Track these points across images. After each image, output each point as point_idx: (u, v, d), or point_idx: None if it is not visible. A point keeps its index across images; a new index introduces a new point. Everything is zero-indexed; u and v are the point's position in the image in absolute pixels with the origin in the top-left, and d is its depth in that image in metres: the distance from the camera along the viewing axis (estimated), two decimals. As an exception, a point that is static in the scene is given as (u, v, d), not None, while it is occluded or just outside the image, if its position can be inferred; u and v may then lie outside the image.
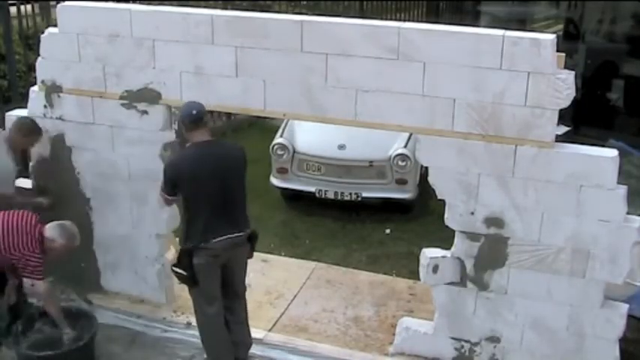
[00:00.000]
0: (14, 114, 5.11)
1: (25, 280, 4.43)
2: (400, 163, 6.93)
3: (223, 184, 4.19)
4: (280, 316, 5.16)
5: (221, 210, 4.20)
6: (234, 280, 4.47)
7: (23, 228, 4.34)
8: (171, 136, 4.81)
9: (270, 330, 4.98)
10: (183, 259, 4.26)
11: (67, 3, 4.81)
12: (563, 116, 4.30)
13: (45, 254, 4.39)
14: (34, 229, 4.37)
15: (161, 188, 4.37)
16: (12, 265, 4.37)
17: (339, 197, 7.02)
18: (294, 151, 7.14)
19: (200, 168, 4.16)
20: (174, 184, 4.26)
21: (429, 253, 4.48)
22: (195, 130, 4.21)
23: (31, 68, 5.84)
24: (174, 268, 4.34)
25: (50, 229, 4.42)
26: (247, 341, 4.63)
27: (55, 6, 5.25)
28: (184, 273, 4.27)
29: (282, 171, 7.21)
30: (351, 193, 6.99)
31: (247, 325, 4.63)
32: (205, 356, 4.58)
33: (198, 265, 4.22)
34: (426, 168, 4.42)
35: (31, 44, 7.07)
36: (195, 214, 4.22)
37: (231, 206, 4.25)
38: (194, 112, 4.20)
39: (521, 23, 11.64)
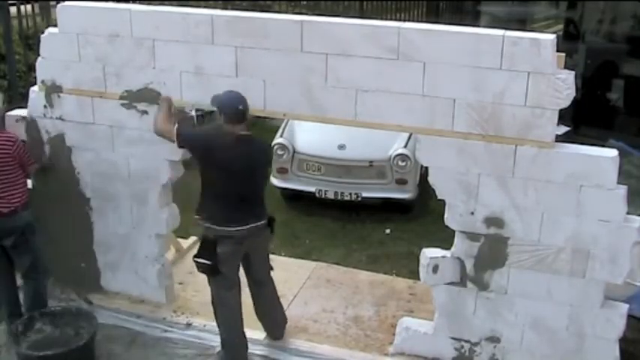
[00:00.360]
0: (14, 114, 5.12)
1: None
2: (400, 163, 6.93)
3: (251, 179, 4.35)
4: (280, 316, 5.16)
5: (245, 201, 4.34)
6: (253, 267, 4.63)
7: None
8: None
9: (270, 330, 4.98)
10: (207, 249, 4.34)
11: (67, 3, 4.81)
12: (563, 116, 4.30)
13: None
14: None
15: (179, 129, 4.33)
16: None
17: (339, 197, 7.03)
18: (294, 151, 7.15)
19: (233, 161, 4.25)
20: (192, 150, 4.38)
21: (429, 253, 4.48)
22: (237, 124, 4.28)
23: (31, 68, 5.84)
24: (197, 259, 4.39)
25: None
26: (280, 320, 4.88)
27: (55, 6, 5.25)
28: (208, 262, 4.34)
29: (282, 171, 7.21)
30: (351, 193, 7.00)
31: (278, 305, 4.86)
32: (220, 341, 4.65)
33: (222, 254, 4.34)
34: (426, 168, 4.42)
35: (31, 44, 7.08)
36: (220, 201, 4.32)
37: (254, 198, 4.42)
38: (240, 107, 4.26)
39: (521, 23, 11.65)
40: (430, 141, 4.29)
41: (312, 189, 7.09)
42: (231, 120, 4.26)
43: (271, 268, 4.76)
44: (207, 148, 4.30)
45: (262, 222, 4.48)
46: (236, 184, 4.29)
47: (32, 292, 4.86)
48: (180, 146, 4.40)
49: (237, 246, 4.39)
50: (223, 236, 4.33)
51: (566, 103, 3.99)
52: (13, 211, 4.59)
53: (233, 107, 4.25)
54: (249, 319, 5.08)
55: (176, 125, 4.37)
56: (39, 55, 4.92)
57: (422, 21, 11.60)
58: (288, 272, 5.75)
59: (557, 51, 3.96)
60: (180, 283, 5.46)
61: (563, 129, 5.76)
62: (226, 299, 4.52)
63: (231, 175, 4.27)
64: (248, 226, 4.37)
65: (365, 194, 7.00)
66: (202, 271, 4.44)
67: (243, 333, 4.62)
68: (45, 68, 4.90)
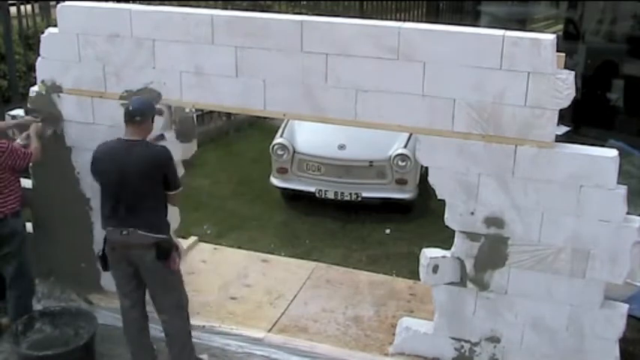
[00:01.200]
0: (14, 114, 5.12)
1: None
2: (400, 163, 6.93)
3: (126, 186, 4.15)
4: (280, 316, 5.15)
5: (119, 207, 4.20)
6: (150, 293, 4.43)
7: None
8: (171, 135, 4.81)
9: (270, 330, 4.97)
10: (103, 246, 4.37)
11: (67, 3, 4.81)
12: (563, 116, 4.30)
13: None
14: None
15: None
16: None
17: (339, 197, 7.02)
18: (294, 151, 7.15)
19: (106, 166, 4.22)
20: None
21: (429, 253, 4.48)
22: (126, 125, 4.23)
23: (31, 68, 5.85)
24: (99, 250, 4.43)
25: None
26: None
27: (55, 6, 5.25)
28: (99, 255, 4.39)
29: (282, 171, 7.21)
30: (351, 193, 7.00)
31: (178, 349, 4.48)
32: None
33: (107, 254, 4.35)
34: (426, 168, 4.42)
35: (31, 44, 7.08)
36: (103, 201, 4.31)
37: (132, 206, 4.19)
38: (130, 108, 4.20)
39: (521, 23, 11.65)
40: (430, 141, 4.29)
41: (312, 189, 7.09)
42: (125, 121, 4.23)
43: (180, 307, 4.42)
44: (94, 157, 4.30)
45: (143, 239, 4.19)
46: (111, 189, 4.22)
47: (15, 301, 4.83)
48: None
49: (113, 251, 4.30)
50: (105, 237, 4.33)
51: (566, 103, 3.99)
52: (0, 219, 4.58)
53: (127, 106, 4.22)
54: (248, 318, 5.09)
55: None
56: (39, 55, 4.92)
57: (422, 21, 11.61)
58: (288, 272, 5.76)
59: (557, 51, 3.96)
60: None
61: (563, 129, 5.77)
62: (124, 311, 4.48)
63: (106, 179, 4.23)
64: (122, 234, 4.21)
65: (365, 194, 7.00)
66: None
67: (141, 335, 4.51)
68: (45, 68, 4.90)
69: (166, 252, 4.24)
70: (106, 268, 4.41)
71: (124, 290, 4.43)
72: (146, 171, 4.18)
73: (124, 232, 4.20)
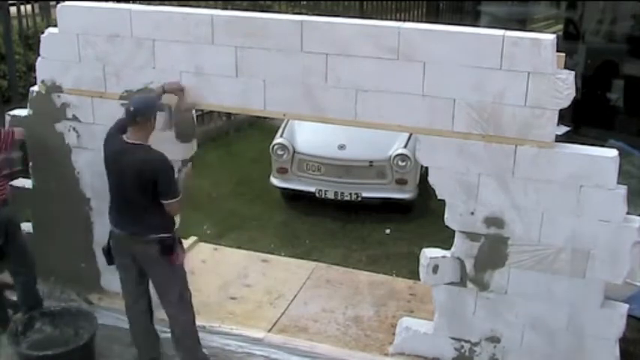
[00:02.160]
0: (14, 114, 5.12)
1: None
2: (400, 163, 6.93)
3: (123, 189, 4.20)
4: (280, 316, 5.16)
5: (122, 208, 4.29)
6: (155, 288, 4.47)
7: None
8: (171, 135, 4.81)
9: (270, 330, 4.97)
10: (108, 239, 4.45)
11: (67, 3, 4.81)
12: (563, 116, 4.30)
13: None
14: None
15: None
16: None
17: (339, 197, 7.02)
18: (294, 151, 7.15)
19: (108, 166, 4.28)
20: None
21: (429, 253, 4.48)
22: (129, 126, 4.20)
23: (31, 68, 5.84)
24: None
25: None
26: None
27: (55, 6, 5.25)
28: (105, 249, 4.46)
29: (282, 171, 7.21)
30: (351, 193, 7.00)
31: (185, 344, 4.53)
32: None
33: (112, 247, 4.43)
34: (426, 168, 4.43)
35: (31, 44, 7.07)
36: (110, 198, 4.39)
37: (129, 209, 4.24)
38: (131, 108, 4.15)
39: (521, 23, 11.65)
40: (430, 141, 4.29)
41: (312, 189, 7.08)
42: (126, 120, 4.22)
43: (184, 301, 4.42)
44: (103, 145, 4.35)
45: (145, 237, 4.23)
46: (112, 188, 4.31)
47: (22, 286, 4.90)
48: None
49: (117, 245, 4.38)
50: (110, 231, 4.41)
51: (566, 103, 3.99)
52: None
53: (127, 106, 4.19)
54: (248, 318, 5.09)
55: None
56: (39, 55, 4.92)
57: (422, 21, 11.61)
58: (288, 272, 5.76)
59: (557, 51, 3.96)
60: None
61: (563, 129, 5.76)
62: (128, 306, 4.57)
63: (109, 178, 4.30)
64: (124, 232, 4.29)
65: (365, 194, 6.99)
66: None
67: (146, 329, 4.59)
68: (45, 68, 4.90)
69: (170, 247, 4.27)
70: (110, 261, 4.48)
71: (128, 287, 4.49)
72: (137, 176, 4.12)
73: (130, 234, 4.27)
